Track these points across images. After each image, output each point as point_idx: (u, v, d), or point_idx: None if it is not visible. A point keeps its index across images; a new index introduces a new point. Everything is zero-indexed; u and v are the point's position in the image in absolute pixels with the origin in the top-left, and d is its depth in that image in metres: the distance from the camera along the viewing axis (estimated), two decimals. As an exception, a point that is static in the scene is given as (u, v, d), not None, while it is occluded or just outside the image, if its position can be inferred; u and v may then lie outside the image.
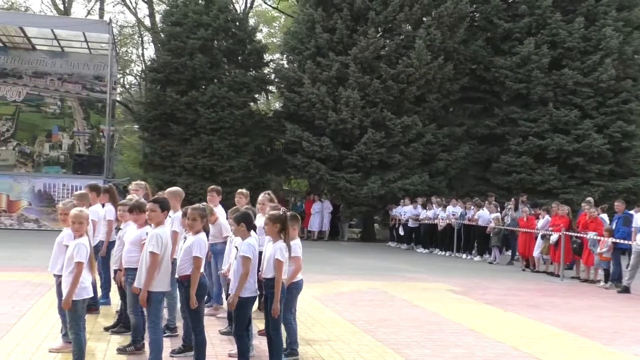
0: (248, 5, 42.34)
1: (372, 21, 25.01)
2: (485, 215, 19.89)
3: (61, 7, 40.25)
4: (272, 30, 46.01)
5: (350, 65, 24.68)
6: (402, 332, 8.84)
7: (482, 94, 27.08)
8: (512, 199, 20.96)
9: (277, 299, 6.30)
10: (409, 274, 15.73)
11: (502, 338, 8.73)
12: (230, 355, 7.07)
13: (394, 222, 24.43)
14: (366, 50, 24.62)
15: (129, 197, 8.42)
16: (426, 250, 22.42)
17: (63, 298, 6.19)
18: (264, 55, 29.26)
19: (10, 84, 27.50)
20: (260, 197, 8.93)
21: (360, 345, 7.94)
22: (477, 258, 20.23)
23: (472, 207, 20.82)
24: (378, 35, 25.39)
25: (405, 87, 24.77)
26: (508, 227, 19.24)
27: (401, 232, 23.72)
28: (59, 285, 6.76)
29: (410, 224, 23.33)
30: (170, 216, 7.62)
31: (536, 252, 17.38)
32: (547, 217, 17.29)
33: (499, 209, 20.12)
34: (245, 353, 6.42)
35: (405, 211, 23.56)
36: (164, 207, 6.68)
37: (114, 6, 44.19)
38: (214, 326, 8.35)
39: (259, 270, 6.61)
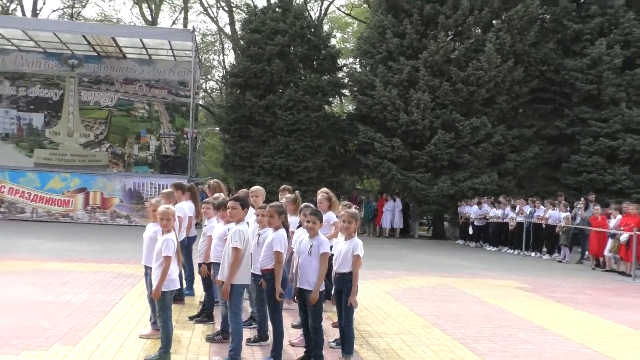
0: (322, 12, 42.57)
1: (441, 25, 24.72)
2: (556, 215, 19.39)
3: (149, 17, 41.38)
4: (345, 36, 46.04)
5: (421, 68, 24.46)
6: (470, 327, 8.74)
7: (552, 95, 26.31)
8: (582, 199, 20.37)
9: (355, 292, 6.35)
10: (478, 271, 15.49)
11: (572, 335, 8.51)
12: (292, 344, 7.14)
13: (463, 220, 24.10)
14: (436, 53, 24.36)
15: (215, 195, 8.57)
16: (495, 248, 22.00)
17: (153, 289, 6.39)
18: (338, 60, 29.33)
19: (103, 90, 28.41)
20: (319, 196, 8.91)
21: (430, 339, 7.91)
22: (546, 256, 19.75)
23: (543, 206, 20.33)
24: (448, 39, 25.10)
25: (475, 90, 24.39)
26: (578, 226, 18.72)
27: (470, 231, 23.38)
28: (148, 276, 6.95)
29: (477, 223, 22.97)
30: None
31: (607, 252, 16.88)
32: (619, 216, 16.75)
33: (568, 209, 19.59)
34: (320, 344, 6.44)
35: (471, 210, 23.24)
36: (244, 204, 6.79)
37: (197, 16, 45.21)
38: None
39: (331, 266, 6.68)
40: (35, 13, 38.73)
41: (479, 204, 23.01)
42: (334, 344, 7.12)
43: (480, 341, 7.92)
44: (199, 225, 9.51)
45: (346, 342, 6.52)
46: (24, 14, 39.08)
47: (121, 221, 23.40)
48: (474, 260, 17.99)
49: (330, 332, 7.57)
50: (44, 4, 41.23)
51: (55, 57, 27.95)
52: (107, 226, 22.63)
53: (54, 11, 45.77)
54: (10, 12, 39.57)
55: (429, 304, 10.32)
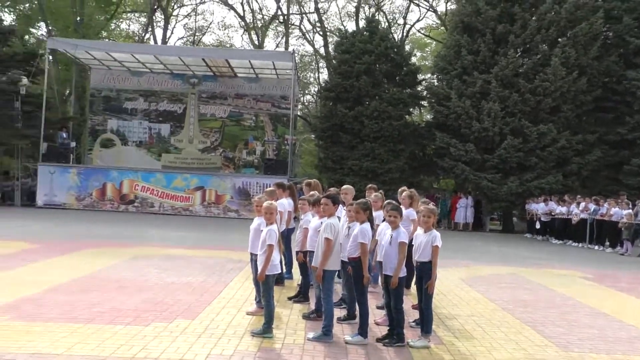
0: (405, 34, 42.14)
1: (512, 43, 23.96)
2: (619, 212, 18.38)
3: (256, 42, 42.17)
4: (424, 54, 45.39)
5: (492, 81, 23.78)
6: (538, 311, 8.38)
7: (614, 104, 24.91)
8: (643, 197, 19.21)
9: (433, 279, 6.24)
10: (544, 262, 14.87)
11: (635, 322, 8.02)
12: (377, 323, 7.06)
13: (530, 215, 23.24)
14: (506, 68, 23.63)
15: (310, 192, 8.59)
16: (560, 242, 21.07)
17: (257, 272, 6.46)
18: (418, 75, 28.94)
19: (218, 104, 29.15)
20: (403, 194, 8.73)
21: (500, 322, 7.63)
22: (609, 250, 18.74)
23: (606, 204, 19.31)
24: (517, 55, 24.29)
25: (542, 99, 23.51)
26: None
27: (537, 226, 22.52)
28: (254, 261, 7.02)
29: (543, 218, 22.09)
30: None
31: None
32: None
33: (630, 206, 18.53)
34: (401, 323, 6.34)
35: (538, 207, 22.37)
36: (335, 201, 6.79)
37: (296, 40, 45.35)
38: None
39: (410, 256, 6.58)
40: (164, 41, 40.22)
41: (545, 201, 22.14)
42: (413, 323, 6.99)
43: (547, 325, 7.58)
44: (296, 218, 9.56)
45: (425, 322, 6.40)
46: (155, 42, 40.65)
47: (232, 215, 23.83)
48: (540, 252, 17.31)
49: (411, 313, 7.43)
50: (172, 33, 42.76)
51: (179, 77, 28.89)
52: (220, 219, 23.10)
53: (179, 39, 47.42)
54: (145, 40, 41.28)
55: (499, 290, 9.98)
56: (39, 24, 38.28)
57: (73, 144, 26.33)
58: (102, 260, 10.74)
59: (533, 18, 24.40)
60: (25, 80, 24.22)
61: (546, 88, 23.24)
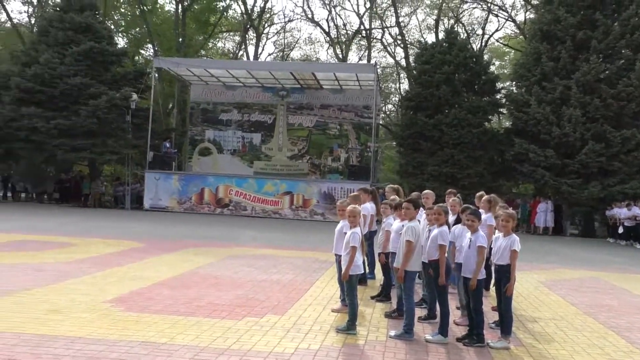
0: (483, 44, 41.08)
1: (593, 49, 22.80)
2: None
3: (340, 56, 42.41)
4: (502, 63, 44.09)
5: (572, 87, 22.72)
6: (622, 317, 7.88)
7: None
8: None
9: (512, 282, 6.03)
10: (627, 266, 13.98)
11: None
12: (457, 323, 6.91)
13: (613, 221, 21.95)
14: (588, 74, 22.50)
15: (391, 197, 8.52)
16: (645, 247, 19.79)
17: (342, 272, 6.46)
18: (496, 84, 28.10)
19: (305, 114, 29.49)
20: (482, 199, 8.42)
21: (583, 326, 7.24)
22: (697, 256, 17.40)
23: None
24: (599, 61, 23.08)
25: (625, 104, 22.21)
26: None
27: (620, 230, 21.23)
28: (338, 262, 7.02)
29: (627, 223, 20.78)
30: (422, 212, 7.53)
31: None
32: None
33: None
34: (481, 324, 6.15)
35: (621, 212, 21.08)
36: (416, 205, 6.69)
37: (378, 52, 45.22)
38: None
39: (489, 258, 6.39)
40: (256, 57, 41.21)
41: (628, 205, 20.85)
42: (493, 325, 6.77)
43: (633, 331, 7.10)
44: (379, 221, 9.50)
45: (504, 324, 6.18)
46: (248, 58, 41.71)
47: (318, 218, 23.92)
48: (623, 257, 16.29)
49: (490, 315, 7.20)
50: (262, 50, 43.78)
51: (270, 90, 29.45)
52: (306, 222, 23.21)
53: (269, 55, 48.46)
54: (238, 57, 42.47)
55: (580, 294, 9.48)
56: (147, 46, 40.33)
57: (175, 153, 27.45)
58: (201, 258, 11.05)
59: (615, 24, 23.16)
60: (135, 96, 25.55)
61: (630, 93, 21.97)
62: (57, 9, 28.68)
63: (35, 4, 39.44)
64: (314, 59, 45.42)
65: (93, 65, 26.40)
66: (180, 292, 7.76)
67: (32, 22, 39.27)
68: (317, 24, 44.00)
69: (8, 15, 39.61)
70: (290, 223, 22.05)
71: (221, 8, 40.32)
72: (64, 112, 25.12)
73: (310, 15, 58.57)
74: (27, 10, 41.11)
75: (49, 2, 37.34)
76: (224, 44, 47.42)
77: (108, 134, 25.69)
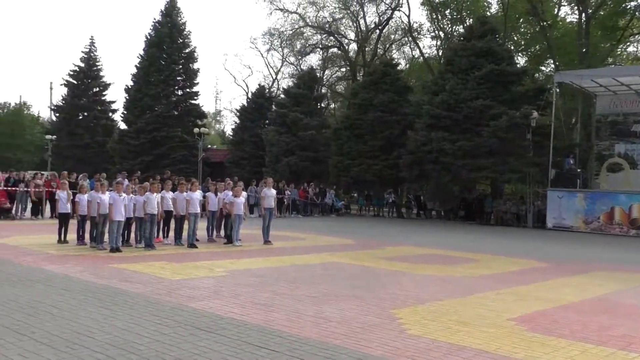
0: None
1: None
2: None
3: None
4: None
5: None
6: None
7: None
8: None
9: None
10: None
11: None
12: None
13: None
14: None
15: None
16: None
17: None
18: None
19: None
20: None
21: None
22: None
23: None
24: None
25: None
26: None
27: None
28: None
29: None
30: None
31: None
32: None
33: None
34: None
35: None
36: None
37: None
38: None
39: None
40: None
41: None
42: None
43: None
44: None
45: None
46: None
47: None
48: None
49: None
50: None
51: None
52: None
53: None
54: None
55: None
56: (547, 62, 39.54)
57: (579, 170, 26.08)
58: (612, 284, 10.17)
59: None
60: (535, 114, 25.36)
61: None
62: (462, 38, 30.73)
63: (442, 37, 43.08)
64: None
65: (493, 87, 27.32)
66: (589, 318, 7.21)
67: (440, 53, 42.94)
68: None
69: (420, 51, 44.53)
70: None
71: (632, 8, 36.39)
72: (467, 134, 26.64)
73: None
74: (436, 44, 45.13)
75: (454, 33, 40.32)
76: (637, 48, 42.66)
77: (509, 152, 26.10)
